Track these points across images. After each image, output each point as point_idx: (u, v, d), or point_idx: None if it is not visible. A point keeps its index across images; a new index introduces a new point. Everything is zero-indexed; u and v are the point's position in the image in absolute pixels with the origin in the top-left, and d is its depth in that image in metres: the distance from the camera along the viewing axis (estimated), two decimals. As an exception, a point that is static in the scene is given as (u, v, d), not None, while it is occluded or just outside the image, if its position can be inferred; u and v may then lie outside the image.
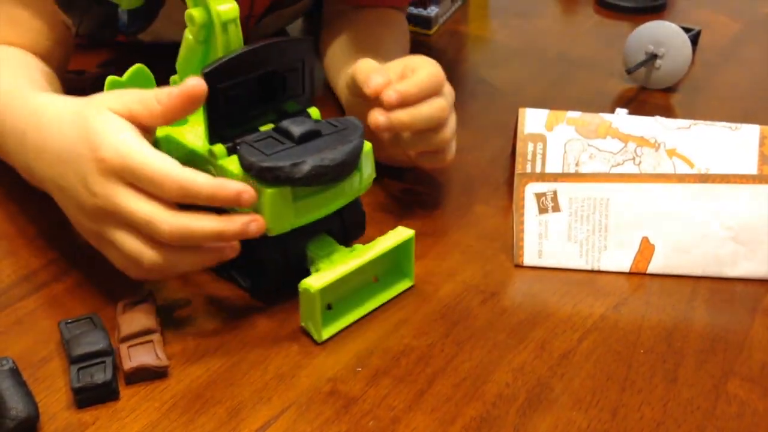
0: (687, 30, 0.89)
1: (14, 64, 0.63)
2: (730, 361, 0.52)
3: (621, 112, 0.68)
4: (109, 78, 0.55)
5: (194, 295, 0.56)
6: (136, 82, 0.56)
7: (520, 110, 0.64)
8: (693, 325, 0.55)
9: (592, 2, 1.05)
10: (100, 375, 0.46)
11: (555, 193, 0.60)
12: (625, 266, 0.59)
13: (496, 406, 0.48)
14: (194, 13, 0.52)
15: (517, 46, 0.93)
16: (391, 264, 0.57)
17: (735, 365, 0.52)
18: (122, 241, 0.48)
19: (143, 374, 0.48)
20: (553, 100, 0.81)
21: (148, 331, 0.49)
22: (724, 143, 0.62)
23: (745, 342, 0.53)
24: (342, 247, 0.55)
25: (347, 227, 0.57)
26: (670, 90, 0.83)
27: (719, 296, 0.57)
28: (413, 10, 0.94)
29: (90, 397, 0.46)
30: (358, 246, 0.55)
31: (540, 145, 0.63)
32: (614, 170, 0.63)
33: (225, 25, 0.52)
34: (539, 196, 0.60)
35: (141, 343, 0.48)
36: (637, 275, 0.59)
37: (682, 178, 0.59)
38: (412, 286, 0.57)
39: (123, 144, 0.47)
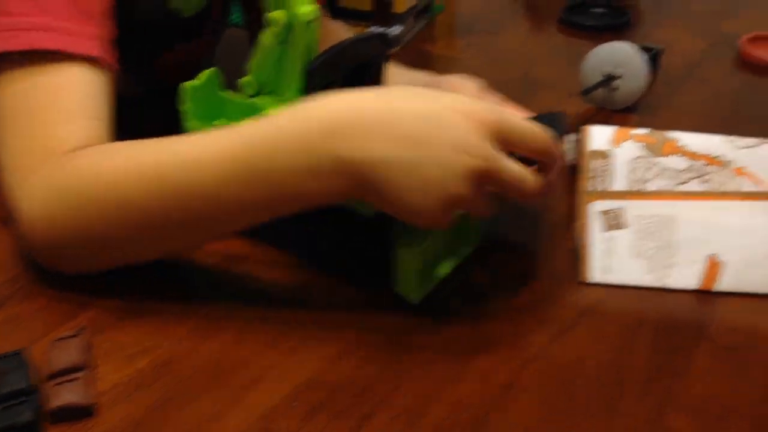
0: (649, 49, 0.89)
1: (146, 144, 0.55)
2: (672, 392, 0.51)
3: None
4: (188, 84, 0.59)
5: (130, 327, 0.54)
6: (211, 87, 0.60)
7: (584, 128, 0.65)
8: (636, 354, 0.54)
9: (555, 21, 1.04)
10: (23, 415, 0.45)
11: (621, 210, 0.61)
12: (693, 283, 0.59)
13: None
14: (277, 15, 0.56)
15: (480, 65, 0.93)
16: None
17: (676, 396, 0.50)
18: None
19: (68, 413, 0.46)
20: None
21: (76, 368, 0.48)
22: None
23: (687, 372, 0.52)
24: None
25: None
26: (629, 110, 0.82)
27: (664, 324, 0.56)
28: (376, 29, 0.94)
29: (13, 437, 0.45)
30: None
31: (605, 163, 0.64)
32: (679, 188, 0.63)
33: (307, 25, 0.57)
34: (605, 214, 0.61)
35: (68, 381, 0.47)
36: (706, 294, 0.59)
37: (748, 195, 0.59)
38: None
39: (494, 107, 0.53)
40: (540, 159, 0.54)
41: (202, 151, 0.52)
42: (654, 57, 0.89)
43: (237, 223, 0.54)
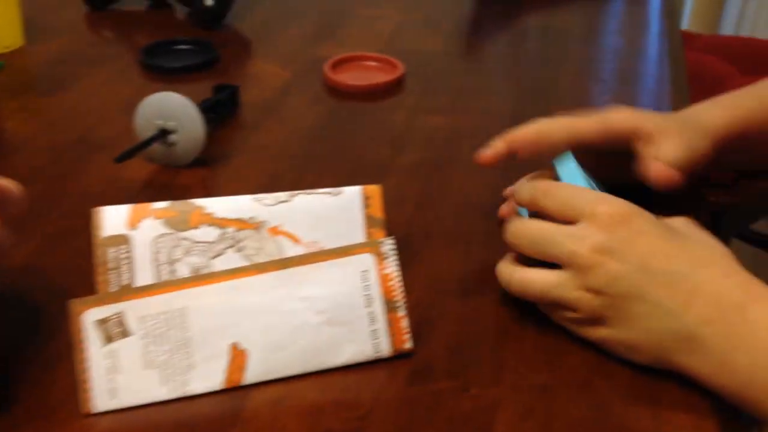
0: (224, 88, 0.82)
1: None
2: None
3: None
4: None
5: None
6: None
7: (94, 211, 0.54)
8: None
9: (138, 67, 0.93)
10: None
11: (121, 315, 0.49)
12: (217, 383, 0.50)
13: None
14: None
15: (30, 131, 0.79)
16: None
17: None
18: None
19: None
20: (65, 194, 0.69)
21: None
22: (329, 211, 0.57)
23: None
24: None
25: None
26: (201, 163, 0.74)
27: None
28: None
29: None
30: None
31: (124, 249, 0.53)
32: (215, 261, 0.55)
33: None
34: (102, 324, 0.49)
35: None
36: (236, 390, 0.50)
37: (262, 268, 0.51)
38: None
39: None
40: None
41: None
42: (231, 96, 0.82)
43: None
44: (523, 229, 0.54)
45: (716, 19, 2.39)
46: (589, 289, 0.51)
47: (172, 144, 0.72)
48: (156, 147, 0.72)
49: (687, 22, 2.42)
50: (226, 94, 0.81)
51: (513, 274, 0.55)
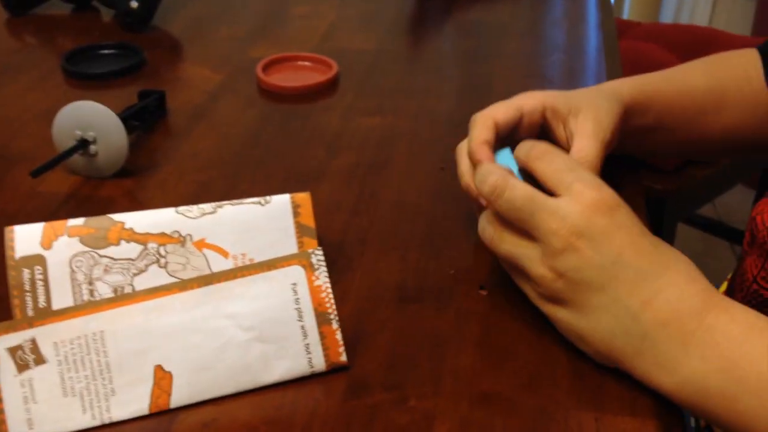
0: (149, 94, 0.79)
1: None
2: None
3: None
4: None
5: None
6: None
7: (7, 230, 0.51)
8: None
9: (60, 73, 0.89)
10: None
11: (34, 341, 0.46)
12: (143, 408, 0.47)
13: None
14: None
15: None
16: None
17: None
18: None
19: None
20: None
21: None
22: (257, 221, 0.55)
23: None
24: None
25: None
26: (128, 173, 0.70)
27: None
28: None
29: None
30: None
31: (39, 270, 0.50)
32: (138, 279, 0.52)
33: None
34: (14, 351, 0.45)
35: None
36: (163, 414, 0.47)
37: (183, 286, 0.48)
38: None
39: None
40: None
41: None
42: (157, 102, 0.79)
43: None
44: (509, 192, 0.52)
45: (656, 7, 2.42)
46: (555, 270, 0.50)
47: (93, 155, 0.68)
48: (77, 158, 0.69)
49: (627, 11, 2.45)
50: (152, 99, 0.78)
51: (487, 227, 0.54)
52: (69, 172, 0.71)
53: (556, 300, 0.51)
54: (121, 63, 0.89)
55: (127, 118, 0.72)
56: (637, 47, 1.59)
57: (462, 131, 0.62)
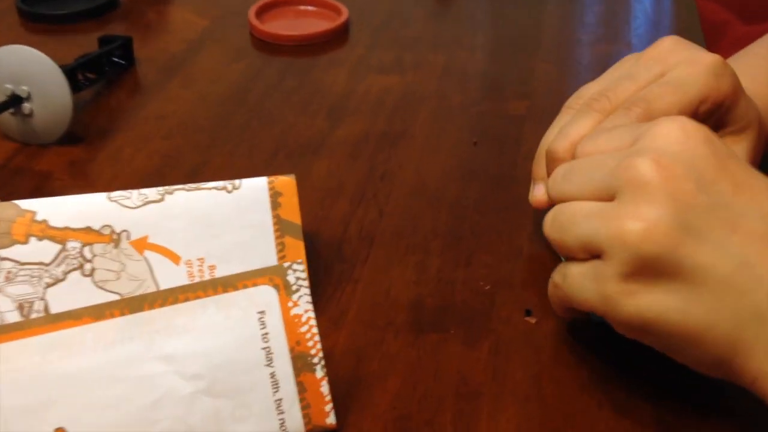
0: (111, 40, 0.64)
1: None
2: None
3: None
4: None
5: None
6: None
7: None
8: None
9: (15, 14, 0.74)
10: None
11: None
12: None
13: None
14: None
15: None
16: None
17: None
18: None
19: None
20: None
21: None
22: (222, 214, 0.41)
23: None
24: None
25: None
26: (77, 140, 0.56)
27: None
28: None
29: None
30: None
31: None
32: (52, 291, 0.38)
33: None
34: None
35: None
36: None
37: (101, 313, 0.33)
38: None
39: None
40: None
41: None
42: (122, 51, 0.64)
43: None
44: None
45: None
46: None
47: (27, 115, 0.54)
48: (8, 118, 0.54)
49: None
50: (115, 47, 0.63)
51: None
52: (3, 137, 0.56)
53: (651, 273, 0.34)
54: (86, 3, 0.74)
55: (77, 69, 0.58)
56: (696, 5, 1.45)
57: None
